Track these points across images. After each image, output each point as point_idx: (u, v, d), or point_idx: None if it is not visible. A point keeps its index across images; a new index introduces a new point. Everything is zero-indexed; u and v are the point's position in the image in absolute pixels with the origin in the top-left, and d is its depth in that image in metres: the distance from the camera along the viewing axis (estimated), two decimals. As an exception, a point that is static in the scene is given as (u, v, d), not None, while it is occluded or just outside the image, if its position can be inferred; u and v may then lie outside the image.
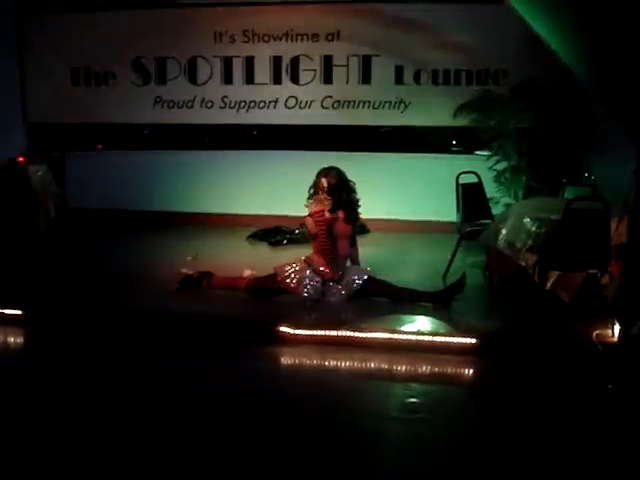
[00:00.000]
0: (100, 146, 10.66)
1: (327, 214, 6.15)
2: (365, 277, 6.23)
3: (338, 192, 6.22)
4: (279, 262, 6.42)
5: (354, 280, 6.20)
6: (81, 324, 5.73)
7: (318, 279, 6.18)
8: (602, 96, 5.79)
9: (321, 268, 6.21)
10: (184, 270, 6.83)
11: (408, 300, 6.04)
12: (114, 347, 5.33)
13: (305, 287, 6.13)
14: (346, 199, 6.29)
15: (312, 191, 6.36)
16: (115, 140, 10.60)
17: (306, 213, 6.30)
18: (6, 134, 9.39)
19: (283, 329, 5.39)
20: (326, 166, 6.40)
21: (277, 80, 9.67)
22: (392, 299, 6.09)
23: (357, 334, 5.36)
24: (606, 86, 5.38)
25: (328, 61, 9.51)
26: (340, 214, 6.23)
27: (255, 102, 9.75)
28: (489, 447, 3.87)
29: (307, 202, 6.30)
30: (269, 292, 6.27)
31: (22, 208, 8.53)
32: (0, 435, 3.92)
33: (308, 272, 6.18)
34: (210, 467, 3.60)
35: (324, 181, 6.24)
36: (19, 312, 5.87)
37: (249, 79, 9.74)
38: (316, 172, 6.42)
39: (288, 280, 6.16)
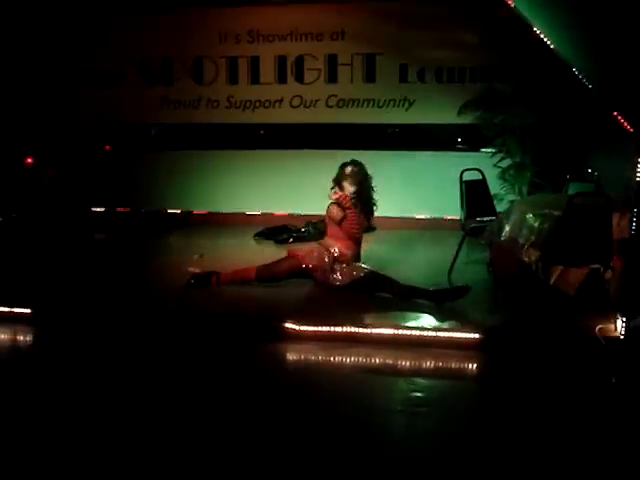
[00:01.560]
0: (108, 147, 10.72)
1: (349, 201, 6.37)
2: (368, 268, 6.34)
3: (361, 184, 6.42)
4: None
5: (360, 268, 6.32)
6: (89, 323, 5.79)
7: (327, 260, 6.28)
8: (602, 92, 5.81)
9: (336, 249, 6.32)
10: (191, 269, 6.90)
11: (407, 296, 6.09)
12: (121, 345, 5.39)
13: (320, 265, 6.26)
14: (367, 193, 6.48)
15: (336, 180, 6.50)
16: (123, 140, 10.66)
17: (324, 206, 6.47)
18: (15, 135, 9.46)
19: (288, 325, 5.44)
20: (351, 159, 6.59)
21: (282, 79, 9.75)
22: (392, 294, 6.14)
23: (362, 330, 5.41)
24: (606, 82, 5.42)
25: (333, 60, 9.58)
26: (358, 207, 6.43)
27: (260, 101, 9.83)
28: (493, 440, 3.91)
29: (332, 191, 6.47)
30: (280, 276, 6.36)
31: (32, 208, 8.62)
32: (8, 430, 3.99)
33: (321, 252, 6.32)
34: (218, 461, 3.65)
35: (349, 170, 6.43)
36: (28, 310, 5.94)
37: (254, 79, 9.82)
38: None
39: (303, 259, 6.32)
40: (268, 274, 6.39)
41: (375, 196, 6.58)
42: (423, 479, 3.54)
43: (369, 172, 6.53)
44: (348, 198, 6.37)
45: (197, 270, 6.77)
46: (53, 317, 5.93)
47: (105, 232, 9.28)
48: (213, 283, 6.42)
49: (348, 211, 6.35)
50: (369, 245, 7.56)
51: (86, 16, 9.81)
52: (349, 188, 6.42)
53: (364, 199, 6.48)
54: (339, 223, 6.35)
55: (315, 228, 8.52)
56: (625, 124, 5.09)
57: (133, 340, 5.47)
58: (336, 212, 6.35)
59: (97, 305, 6.05)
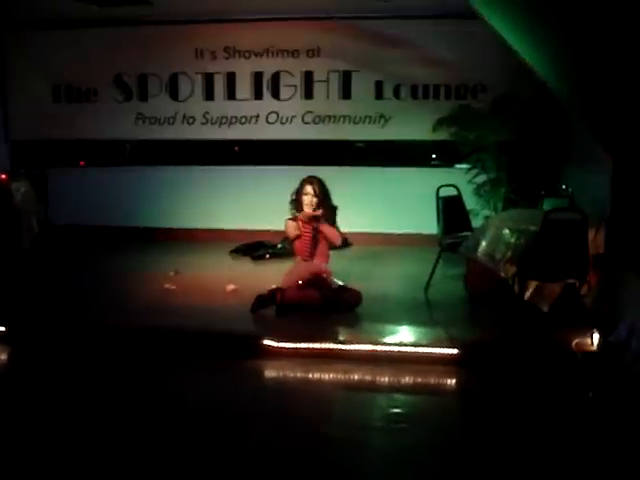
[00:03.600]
0: (82, 162, 10.65)
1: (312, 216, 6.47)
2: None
3: (322, 198, 6.49)
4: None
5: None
6: (63, 341, 5.72)
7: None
8: (579, 110, 5.89)
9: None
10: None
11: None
12: (96, 363, 5.33)
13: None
14: (328, 205, 6.56)
15: (294, 197, 6.60)
16: (97, 156, 10.60)
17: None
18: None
19: (266, 342, 5.42)
20: (309, 175, 6.65)
21: (258, 96, 9.77)
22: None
23: (340, 346, 5.40)
24: (584, 101, 5.48)
25: (309, 77, 9.62)
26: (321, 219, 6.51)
27: (236, 118, 9.84)
28: (472, 456, 3.92)
29: (290, 206, 6.59)
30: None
31: (4, 225, 8.51)
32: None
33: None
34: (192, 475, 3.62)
35: (309, 188, 6.49)
36: (2, 329, 5.86)
37: (230, 95, 9.82)
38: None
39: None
40: (333, 298, 6.26)
41: (335, 205, 6.65)
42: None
43: (328, 188, 6.61)
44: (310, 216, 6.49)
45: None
46: (27, 335, 5.86)
47: (78, 248, 9.22)
48: (278, 300, 6.21)
49: (304, 231, 6.50)
50: (345, 261, 7.60)
51: (61, 30, 9.77)
52: (308, 204, 6.49)
53: (328, 212, 6.55)
54: (292, 240, 6.57)
55: (291, 244, 8.51)
56: (599, 142, 5.16)
57: (107, 358, 5.41)
58: (290, 229, 6.56)
59: (71, 323, 5.98)
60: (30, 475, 3.63)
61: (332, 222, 6.60)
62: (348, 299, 6.21)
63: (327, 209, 6.54)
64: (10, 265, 7.94)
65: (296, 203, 6.59)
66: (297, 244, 6.59)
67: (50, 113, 10.10)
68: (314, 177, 6.61)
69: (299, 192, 6.58)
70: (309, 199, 6.49)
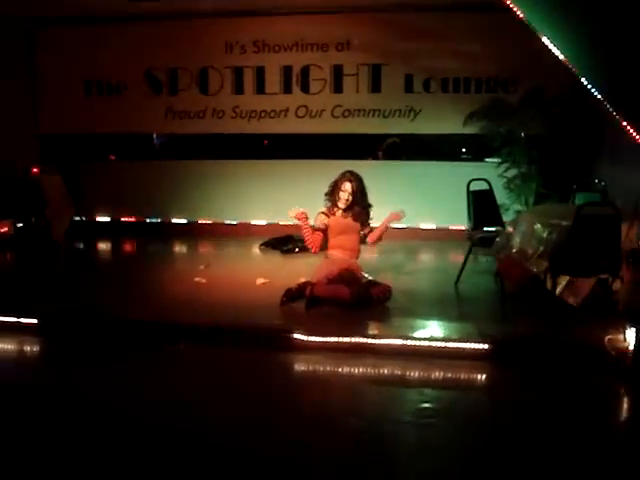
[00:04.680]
0: (112, 156, 10.75)
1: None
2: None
3: (358, 198, 6.49)
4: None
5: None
6: (93, 333, 5.77)
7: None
8: (614, 102, 5.81)
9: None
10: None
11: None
12: (126, 356, 5.36)
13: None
14: (363, 204, 6.54)
15: (331, 189, 6.58)
16: (127, 150, 10.68)
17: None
18: (21, 145, 9.49)
19: (296, 336, 5.43)
20: (349, 170, 6.60)
21: (287, 90, 9.76)
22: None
23: (370, 341, 5.39)
24: (619, 93, 5.41)
25: (338, 70, 9.60)
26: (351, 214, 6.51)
27: (266, 112, 9.84)
28: (502, 452, 3.89)
29: (326, 197, 6.60)
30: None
31: (36, 218, 8.63)
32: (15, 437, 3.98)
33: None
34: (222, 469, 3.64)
35: (348, 185, 6.47)
36: (35, 321, 5.93)
37: (260, 89, 9.83)
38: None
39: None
40: (363, 294, 6.20)
41: (371, 209, 6.62)
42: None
43: (365, 183, 6.58)
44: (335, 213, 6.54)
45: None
46: (59, 327, 5.92)
47: (110, 241, 9.30)
48: (307, 294, 6.19)
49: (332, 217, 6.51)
50: (375, 255, 7.58)
51: (92, 26, 9.85)
52: (343, 201, 6.48)
53: (361, 210, 6.53)
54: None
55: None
56: (634, 135, 5.08)
57: (136, 350, 5.45)
58: (319, 221, 6.52)
59: (102, 315, 6.03)
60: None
61: (365, 221, 6.58)
62: (377, 294, 6.18)
63: (361, 209, 6.52)
64: (41, 258, 8.04)
65: (332, 197, 6.56)
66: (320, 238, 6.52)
67: (81, 108, 10.18)
68: (354, 174, 6.54)
69: (336, 186, 6.55)
70: (345, 197, 6.47)
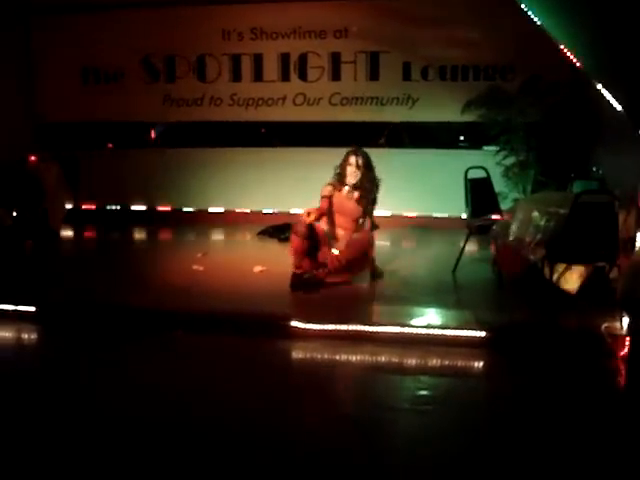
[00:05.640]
0: (110, 145, 10.72)
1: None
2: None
3: (365, 171, 6.47)
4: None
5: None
6: (90, 321, 5.78)
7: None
8: (612, 90, 5.79)
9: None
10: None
11: None
12: (123, 344, 5.37)
13: None
14: (371, 178, 6.51)
15: (338, 170, 6.56)
16: (125, 138, 10.66)
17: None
18: (17, 134, 9.47)
19: (294, 323, 5.44)
20: (354, 146, 6.62)
21: (285, 77, 9.75)
22: None
23: (368, 328, 5.40)
24: (617, 81, 5.40)
25: (336, 58, 9.59)
26: (355, 194, 6.47)
27: (263, 99, 9.83)
28: (499, 439, 3.91)
29: (334, 179, 6.56)
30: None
31: (34, 206, 8.62)
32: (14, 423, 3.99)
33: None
34: (221, 457, 3.65)
35: (353, 159, 6.46)
36: (32, 309, 5.93)
37: (257, 76, 9.82)
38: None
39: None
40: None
41: (379, 191, 6.58)
42: (431, 478, 3.54)
43: (372, 160, 6.57)
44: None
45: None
46: (57, 315, 5.92)
47: (109, 229, 9.31)
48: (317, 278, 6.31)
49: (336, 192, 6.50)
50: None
51: (89, 13, 9.80)
52: (352, 175, 6.45)
53: (366, 187, 6.48)
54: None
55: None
56: (632, 122, 5.07)
57: (134, 338, 5.46)
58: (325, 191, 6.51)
59: (98, 303, 6.03)
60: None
61: (373, 199, 6.54)
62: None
63: (370, 182, 6.49)
64: (39, 246, 8.04)
65: (340, 176, 6.53)
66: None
67: (78, 95, 10.16)
68: (360, 149, 6.56)
69: (343, 163, 6.52)
70: (352, 170, 6.45)
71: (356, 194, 6.47)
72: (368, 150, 6.62)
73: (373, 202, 6.57)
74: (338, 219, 6.48)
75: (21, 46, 9.99)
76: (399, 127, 9.86)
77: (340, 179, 6.52)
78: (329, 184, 6.54)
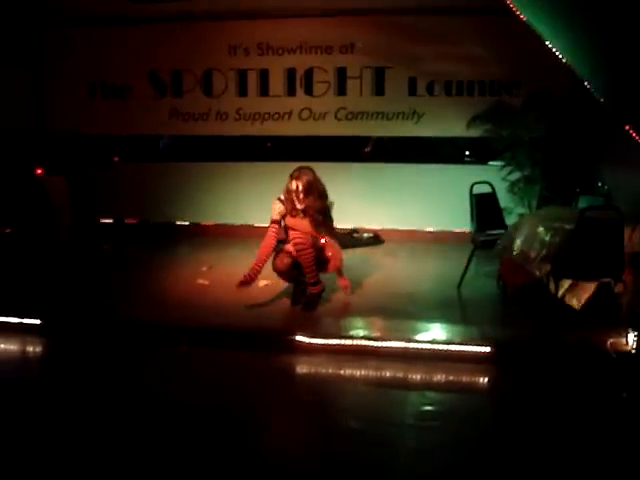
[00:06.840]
0: (116, 158, 10.75)
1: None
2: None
3: (306, 193, 6.23)
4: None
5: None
6: (96, 334, 5.78)
7: None
8: (617, 107, 5.80)
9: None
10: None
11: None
12: (128, 358, 5.38)
13: None
14: (315, 203, 6.27)
15: (285, 195, 6.36)
16: (131, 152, 10.69)
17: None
18: (24, 147, 9.51)
19: (299, 338, 5.43)
20: (297, 168, 6.43)
21: (291, 92, 9.76)
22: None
23: (372, 343, 5.40)
24: (621, 97, 5.40)
25: (342, 73, 9.59)
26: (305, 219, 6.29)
27: (269, 114, 9.84)
28: (504, 455, 3.90)
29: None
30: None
31: (40, 219, 8.65)
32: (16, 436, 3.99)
33: None
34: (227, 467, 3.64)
35: (293, 184, 6.25)
36: (38, 321, 5.94)
37: (263, 91, 9.83)
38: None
39: None
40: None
41: (331, 201, 6.39)
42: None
43: (319, 180, 6.38)
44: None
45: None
46: (62, 328, 5.93)
47: (112, 243, 9.33)
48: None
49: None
50: (377, 257, 7.58)
51: (97, 27, 9.86)
52: (296, 202, 6.25)
53: (314, 211, 6.25)
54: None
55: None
56: (638, 138, 5.07)
57: (139, 352, 5.46)
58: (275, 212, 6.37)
59: (104, 316, 6.04)
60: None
61: (325, 216, 6.31)
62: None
63: (316, 201, 6.23)
64: (45, 258, 8.06)
65: (286, 201, 6.32)
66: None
67: (85, 109, 10.18)
68: (301, 169, 6.35)
69: (286, 190, 6.32)
70: (293, 197, 6.23)
71: (306, 219, 6.27)
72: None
73: (326, 219, 6.35)
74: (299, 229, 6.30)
75: (30, 61, 10.02)
76: (403, 141, 9.86)
77: (287, 204, 6.32)
78: (278, 200, 6.36)
